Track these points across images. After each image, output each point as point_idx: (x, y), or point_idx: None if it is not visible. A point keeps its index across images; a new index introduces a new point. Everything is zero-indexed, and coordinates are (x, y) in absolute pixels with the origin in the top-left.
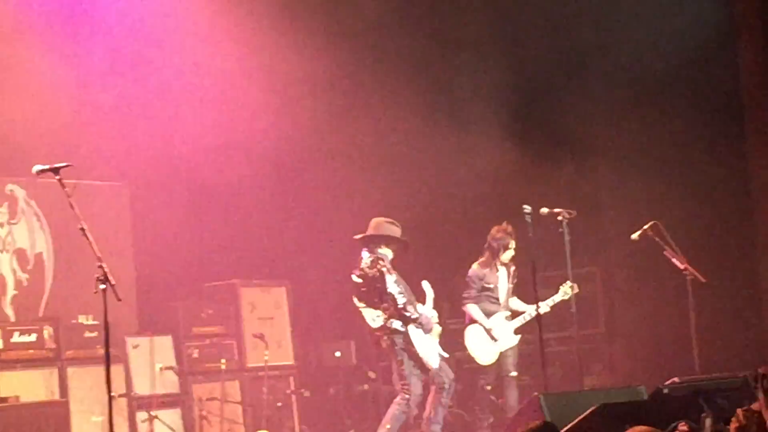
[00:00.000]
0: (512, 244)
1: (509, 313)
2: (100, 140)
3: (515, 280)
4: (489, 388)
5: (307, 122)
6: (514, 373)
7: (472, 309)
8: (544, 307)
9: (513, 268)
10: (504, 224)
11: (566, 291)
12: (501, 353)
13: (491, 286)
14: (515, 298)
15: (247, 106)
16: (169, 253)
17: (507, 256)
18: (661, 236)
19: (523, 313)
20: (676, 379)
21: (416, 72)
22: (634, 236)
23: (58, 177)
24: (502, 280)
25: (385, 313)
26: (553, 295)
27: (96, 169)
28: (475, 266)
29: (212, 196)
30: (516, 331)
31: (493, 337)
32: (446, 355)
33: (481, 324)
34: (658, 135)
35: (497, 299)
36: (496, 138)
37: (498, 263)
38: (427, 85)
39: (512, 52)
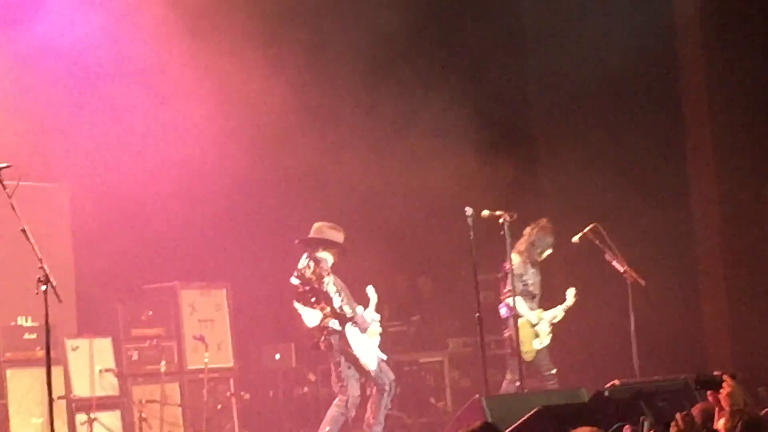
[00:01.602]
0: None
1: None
2: (40, 141)
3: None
4: (518, 384)
5: (254, 129)
6: (554, 370)
7: (518, 303)
8: (560, 312)
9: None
10: (545, 222)
11: (572, 297)
12: (538, 351)
13: (531, 282)
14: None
15: (191, 112)
16: (108, 255)
17: (546, 254)
18: (602, 239)
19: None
20: (616, 382)
21: (363, 85)
22: (575, 239)
23: None
24: (538, 278)
25: (323, 313)
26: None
27: (36, 170)
28: (517, 260)
29: (152, 198)
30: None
31: (537, 333)
32: (384, 357)
33: (527, 318)
34: (599, 138)
35: (535, 297)
36: (436, 143)
37: (534, 261)
38: (369, 97)
39: (457, 58)
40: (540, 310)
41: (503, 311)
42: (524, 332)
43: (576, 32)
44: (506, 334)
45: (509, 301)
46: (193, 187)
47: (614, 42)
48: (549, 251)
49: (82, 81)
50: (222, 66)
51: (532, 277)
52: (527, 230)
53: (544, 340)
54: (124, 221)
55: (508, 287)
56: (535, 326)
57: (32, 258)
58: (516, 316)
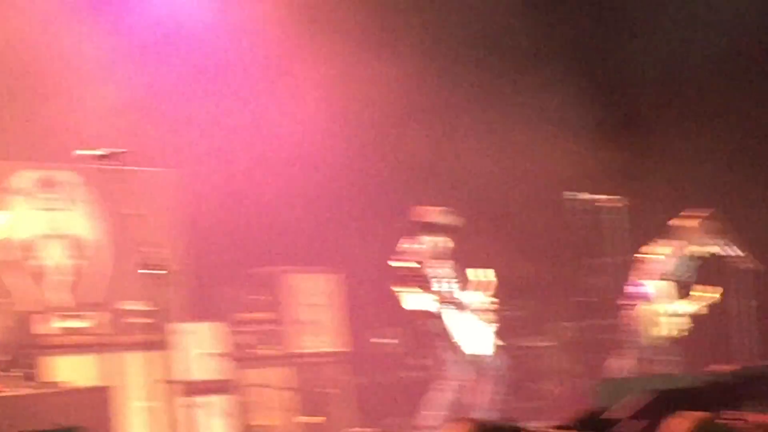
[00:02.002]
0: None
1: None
2: (151, 126)
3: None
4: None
5: (367, 116)
6: (669, 356)
7: (658, 287)
8: (697, 307)
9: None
10: (707, 216)
11: (714, 295)
12: (662, 338)
13: (681, 273)
14: None
15: (305, 101)
16: (219, 240)
17: (706, 250)
18: (718, 224)
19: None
20: (732, 366)
21: (476, 73)
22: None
23: (111, 163)
24: (690, 272)
25: (428, 297)
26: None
27: (146, 155)
28: (672, 249)
29: (262, 183)
30: None
31: (664, 321)
32: (500, 343)
33: (661, 304)
34: (713, 122)
35: (682, 288)
36: (548, 129)
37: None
38: (482, 85)
39: (567, 44)
40: (679, 301)
41: (636, 290)
42: (650, 318)
43: (688, 12)
44: (631, 314)
45: (648, 282)
46: (304, 173)
47: (728, 22)
48: (711, 248)
49: (196, 69)
50: (337, 55)
51: (683, 269)
52: (688, 222)
53: (671, 330)
54: (234, 206)
55: (655, 270)
56: (666, 315)
57: (144, 243)
58: (646, 298)
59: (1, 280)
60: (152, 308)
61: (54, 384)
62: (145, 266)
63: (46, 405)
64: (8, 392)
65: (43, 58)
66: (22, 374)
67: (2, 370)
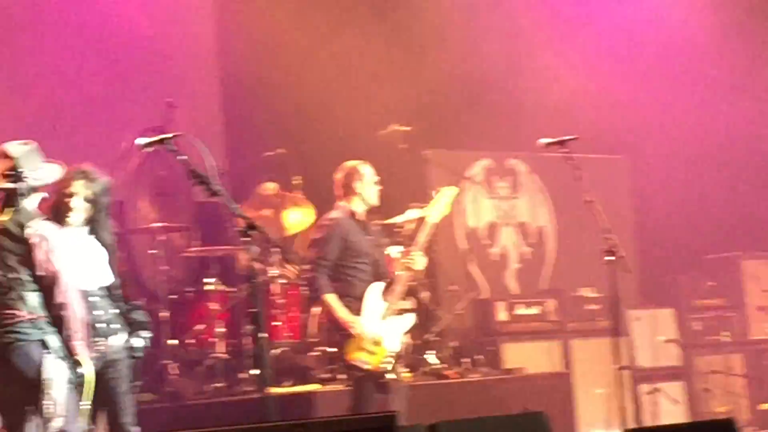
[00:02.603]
0: None
1: None
2: (601, 113)
3: None
4: None
5: None
6: None
7: None
8: None
9: None
10: None
11: None
12: None
13: None
14: None
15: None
16: (670, 226)
17: None
18: None
19: None
20: None
21: None
22: None
23: (565, 150)
24: None
25: None
26: None
27: (596, 142)
28: None
29: (712, 168)
30: None
31: None
32: None
33: None
34: None
35: None
36: None
37: None
38: None
39: None
40: None
41: None
42: None
43: None
44: None
45: None
46: (761, 158)
47: None
48: None
49: (653, 58)
50: None
51: None
52: None
53: None
54: (684, 191)
55: None
56: None
57: (595, 229)
58: None
59: (459, 268)
60: (604, 295)
61: (512, 370)
62: (599, 253)
63: (508, 390)
64: (466, 378)
65: (503, 51)
66: (470, 360)
67: (456, 357)
